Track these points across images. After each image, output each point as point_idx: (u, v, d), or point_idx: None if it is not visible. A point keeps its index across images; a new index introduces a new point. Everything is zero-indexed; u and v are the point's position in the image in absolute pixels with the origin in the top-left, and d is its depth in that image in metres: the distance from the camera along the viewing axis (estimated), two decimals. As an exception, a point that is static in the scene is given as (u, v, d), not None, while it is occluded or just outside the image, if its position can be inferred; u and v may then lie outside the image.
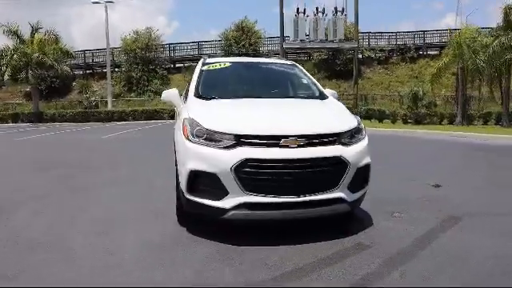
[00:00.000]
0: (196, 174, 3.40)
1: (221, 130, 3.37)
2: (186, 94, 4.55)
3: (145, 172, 6.95)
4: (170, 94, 4.64)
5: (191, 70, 24.55)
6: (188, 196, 3.50)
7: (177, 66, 33.10)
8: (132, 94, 29.59)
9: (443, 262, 3.07)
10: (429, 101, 21.61)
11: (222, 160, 3.28)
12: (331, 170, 3.42)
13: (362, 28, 28.62)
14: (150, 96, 28.83)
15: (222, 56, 30.54)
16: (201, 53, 32.71)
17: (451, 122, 21.21)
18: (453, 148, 10.77)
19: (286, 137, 3.32)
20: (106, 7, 27.01)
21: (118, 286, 2.75)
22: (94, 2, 27.71)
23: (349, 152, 3.49)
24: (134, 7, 71.04)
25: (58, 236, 3.70)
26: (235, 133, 3.33)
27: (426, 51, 33.07)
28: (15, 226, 4.04)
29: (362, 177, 3.65)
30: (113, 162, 8.22)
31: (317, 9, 25.00)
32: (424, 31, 33.20)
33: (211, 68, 4.78)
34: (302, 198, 3.34)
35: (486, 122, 20.81)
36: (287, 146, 3.31)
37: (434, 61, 31.43)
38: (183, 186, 3.53)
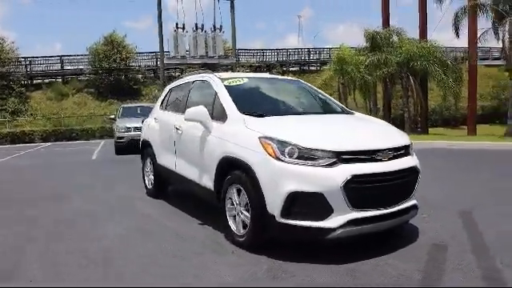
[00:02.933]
0: (297, 195, 3.25)
1: (321, 148, 3.30)
2: (212, 112, 4.26)
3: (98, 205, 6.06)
4: (200, 113, 4.24)
5: (54, 87, 21.89)
6: (282, 220, 3.32)
7: (35, 82, 29.27)
8: (-19, 115, 25.05)
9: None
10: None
11: (329, 178, 3.22)
12: (410, 180, 3.67)
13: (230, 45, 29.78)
14: (5, 117, 24.80)
15: (91, 73, 28.33)
16: (64, 68, 29.75)
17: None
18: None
19: (380, 151, 3.45)
20: None
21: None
22: None
23: (416, 162, 3.78)
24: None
25: None
26: (336, 150, 3.30)
27: (289, 68, 36.10)
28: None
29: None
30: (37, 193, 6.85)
31: (196, 25, 25.10)
32: (287, 49, 36.19)
33: (233, 84, 4.56)
34: (393, 209, 3.50)
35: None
36: (380, 160, 3.42)
37: (297, 76, 34.71)
38: (275, 209, 3.33)
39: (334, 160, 3.28)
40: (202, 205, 5.22)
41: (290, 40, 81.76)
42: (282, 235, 3.45)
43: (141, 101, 26.22)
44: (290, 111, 4.36)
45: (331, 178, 3.22)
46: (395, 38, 18.94)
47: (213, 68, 28.96)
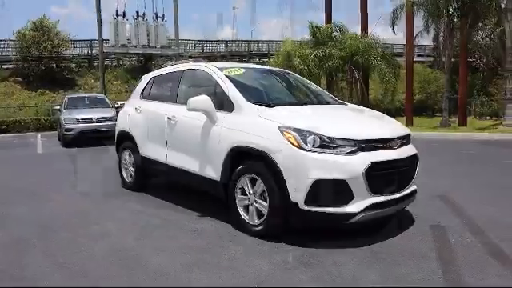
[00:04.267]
0: (321, 182, 3.37)
1: (343, 137, 3.46)
2: (213, 102, 4.21)
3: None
4: (204, 103, 4.18)
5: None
6: (306, 207, 3.43)
7: None
8: None
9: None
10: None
11: (351, 165, 3.39)
12: (413, 166, 3.95)
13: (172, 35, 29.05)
14: None
15: (19, 60, 26.13)
16: (-14, 54, 27.12)
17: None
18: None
19: (391, 139, 3.70)
20: None
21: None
22: None
23: (415, 150, 4.08)
24: None
25: None
26: (356, 138, 3.48)
27: (229, 59, 36.01)
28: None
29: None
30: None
31: (137, 13, 24.25)
32: (227, 41, 36.16)
33: (233, 74, 4.55)
34: (402, 193, 3.78)
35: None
36: (392, 148, 3.66)
37: (238, 68, 34.77)
38: (299, 197, 3.44)
39: (355, 148, 3.45)
40: (190, 196, 5.21)
41: (224, 32, 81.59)
42: (305, 222, 3.56)
43: (76, 91, 24.77)
44: (293, 102, 4.47)
45: (353, 166, 3.39)
46: (338, 34, 19.66)
47: (154, 58, 28.27)
